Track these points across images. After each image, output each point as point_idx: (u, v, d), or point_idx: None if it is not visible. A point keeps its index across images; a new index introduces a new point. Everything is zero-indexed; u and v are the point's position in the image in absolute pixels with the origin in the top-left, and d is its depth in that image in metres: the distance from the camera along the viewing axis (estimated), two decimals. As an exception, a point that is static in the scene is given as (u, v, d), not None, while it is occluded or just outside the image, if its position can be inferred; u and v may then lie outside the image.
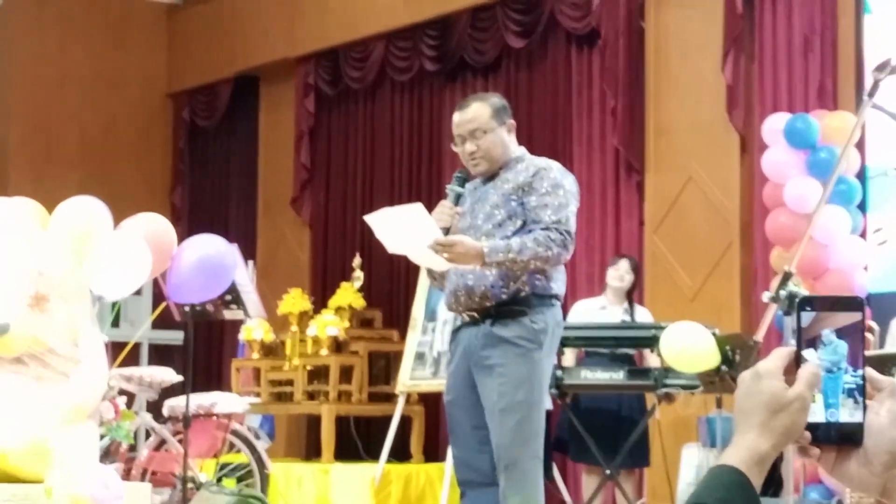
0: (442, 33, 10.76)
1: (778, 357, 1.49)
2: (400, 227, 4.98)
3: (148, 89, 13.37)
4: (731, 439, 1.52)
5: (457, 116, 5.16)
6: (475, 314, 5.05)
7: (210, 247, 5.90)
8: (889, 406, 1.52)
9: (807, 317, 1.49)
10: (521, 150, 5.20)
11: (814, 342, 1.49)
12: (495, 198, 5.07)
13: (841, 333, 1.49)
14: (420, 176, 10.99)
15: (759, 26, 8.69)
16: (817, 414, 1.49)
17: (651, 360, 7.89)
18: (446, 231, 4.97)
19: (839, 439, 1.51)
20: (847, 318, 1.50)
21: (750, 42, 8.71)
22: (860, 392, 1.49)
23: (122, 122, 13.21)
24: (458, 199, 5.07)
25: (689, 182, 8.90)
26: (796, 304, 1.49)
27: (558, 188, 5.01)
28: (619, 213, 9.47)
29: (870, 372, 1.51)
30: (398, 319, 10.38)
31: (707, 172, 8.81)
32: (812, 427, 1.50)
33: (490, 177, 5.16)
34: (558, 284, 5.07)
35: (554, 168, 5.10)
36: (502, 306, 4.99)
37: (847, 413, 1.50)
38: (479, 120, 5.09)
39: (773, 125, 7.78)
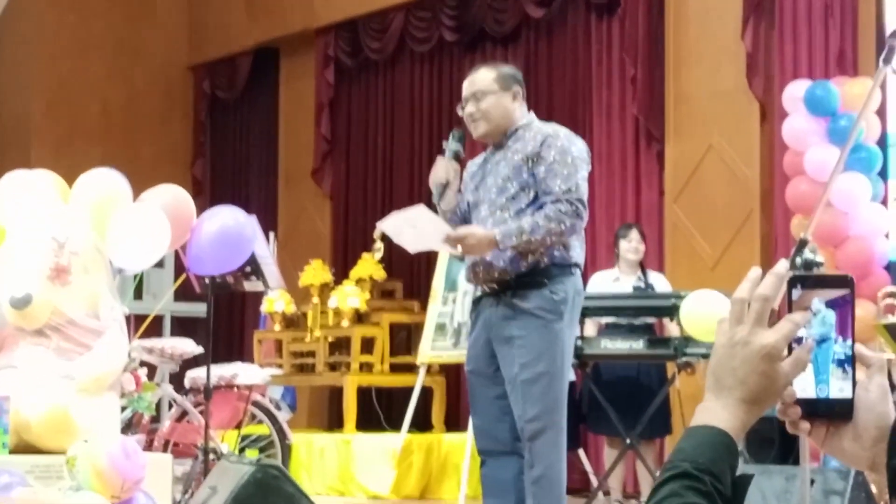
0: (461, 3, 10.75)
1: (786, 338, 1.50)
2: (412, 229, 5.04)
3: (169, 62, 13.40)
4: (716, 392, 1.52)
5: (465, 82, 5.21)
6: (494, 286, 5.06)
7: (229, 218, 5.92)
8: (878, 381, 1.55)
9: (796, 294, 1.51)
10: (528, 118, 5.19)
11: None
12: (506, 170, 5.07)
13: (829, 304, 1.51)
14: (440, 146, 10.97)
15: (780, -7, 8.66)
16: (808, 389, 1.52)
17: (671, 329, 7.90)
18: (444, 187, 5.03)
19: (830, 414, 1.53)
20: (836, 292, 1.51)
21: (770, 9, 8.69)
22: (849, 363, 1.52)
23: (143, 94, 13.25)
24: (456, 155, 5.10)
25: (710, 150, 8.89)
26: (786, 282, 1.51)
27: (566, 155, 5.00)
28: (639, 183, 9.46)
29: (859, 348, 1.53)
30: (419, 290, 10.42)
31: (727, 141, 8.79)
32: (803, 402, 1.52)
33: (499, 147, 5.17)
34: (577, 252, 5.07)
35: (561, 135, 5.08)
36: (522, 277, 5.00)
37: (836, 385, 1.52)
38: (481, 83, 5.13)
39: (794, 93, 7.76)
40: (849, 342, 1.51)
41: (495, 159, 5.15)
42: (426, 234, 5.02)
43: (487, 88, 5.11)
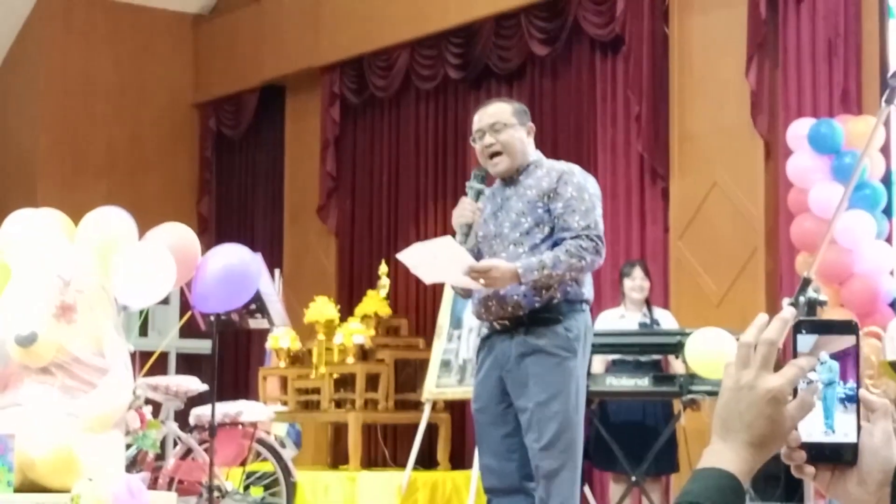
0: (466, 41, 10.79)
1: (791, 382, 1.52)
2: (433, 260, 5.02)
3: (174, 99, 13.45)
4: (723, 435, 1.53)
5: (478, 113, 5.19)
6: (506, 323, 5.05)
7: (234, 256, 5.94)
8: (882, 426, 1.58)
9: (807, 340, 1.53)
10: (538, 155, 5.20)
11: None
12: (520, 205, 5.07)
13: (833, 355, 1.54)
14: (445, 183, 11.02)
15: (783, 31, 8.69)
16: (813, 433, 1.53)
17: (676, 366, 7.89)
18: (469, 228, 5.00)
19: (834, 459, 1.55)
20: (843, 342, 1.54)
21: (774, 47, 8.72)
22: (850, 400, 1.54)
23: (148, 132, 13.29)
24: (478, 195, 5.09)
25: (714, 188, 8.90)
26: (791, 328, 1.53)
27: (583, 191, 5.01)
28: (644, 220, 9.48)
29: (864, 394, 1.55)
30: (424, 327, 10.41)
31: (732, 178, 8.81)
32: (808, 446, 1.54)
33: (510, 182, 5.17)
34: (588, 289, 5.08)
35: (576, 171, 5.10)
36: (535, 314, 4.99)
37: (841, 428, 1.54)
38: (499, 115, 5.12)
39: (798, 130, 7.78)
40: (849, 384, 1.53)
41: (506, 194, 5.14)
42: (447, 265, 5.00)
43: (507, 121, 5.11)
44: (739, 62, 8.71)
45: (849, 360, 1.54)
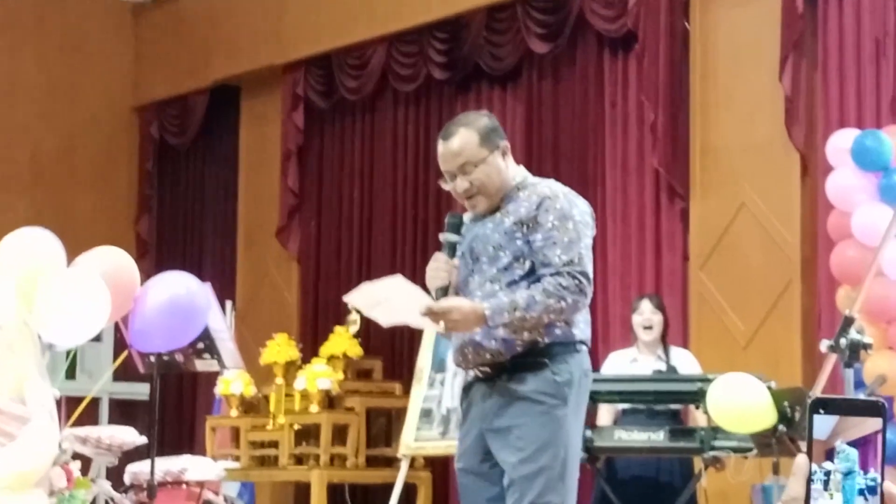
0: (453, 36, 10.83)
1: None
2: (386, 301, 5.02)
3: (110, 102, 13.46)
4: None
5: (441, 148, 5.09)
6: (488, 370, 5.05)
7: (179, 286, 5.94)
8: None
9: (825, 422, 1.59)
10: (520, 175, 5.15)
11: (831, 452, 1.61)
12: (497, 237, 5.04)
13: (852, 442, 1.60)
14: (427, 202, 11.02)
15: (823, 28, 8.73)
16: None
17: (697, 417, 7.90)
18: (445, 290, 4.97)
19: None
20: (868, 426, 1.60)
21: (812, 47, 8.76)
22: (871, 492, 1.59)
23: (79, 139, 13.30)
24: (453, 249, 5.06)
25: (742, 209, 8.93)
26: (808, 407, 1.59)
27: (566, 220, 4.97)
28: (659, 246, 9.49)
29: (888, 486, 1.60)
30: (401, 370, 10.42)
31: (762, 198, 8.83)
32: None
33: (492, 210, 5.14)
34: (581, 328, 5.05)
35: (560, 196, 5.05)
36: (518, 359, 4.99)
37: None
38: (467, 151, 5.04)
39: (839, 143, 7.80)
40: (870, 474, 1.58)
41: (483, 223, 5.12)
42: (403, 306, 5.00)
43: (475, 156, 5.04)
44: (772, 64, 8.75)
45: (870, 446, 1.59)
